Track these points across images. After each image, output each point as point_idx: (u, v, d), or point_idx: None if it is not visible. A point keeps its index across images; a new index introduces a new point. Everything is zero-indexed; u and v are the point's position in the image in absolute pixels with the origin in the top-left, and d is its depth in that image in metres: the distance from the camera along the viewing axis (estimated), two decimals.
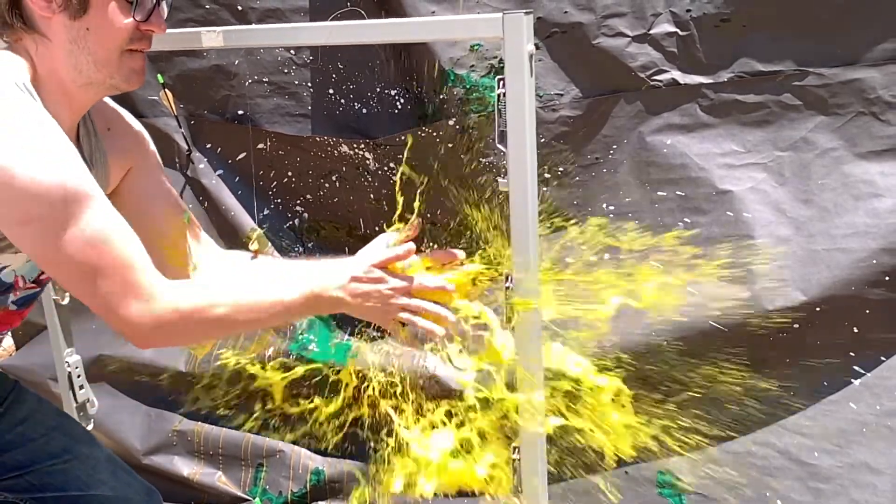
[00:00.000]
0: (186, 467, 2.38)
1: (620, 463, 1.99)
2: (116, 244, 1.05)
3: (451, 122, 1.95)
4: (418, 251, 1.30)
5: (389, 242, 1.30)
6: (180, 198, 1.45)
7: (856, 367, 1.85)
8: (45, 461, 1.35)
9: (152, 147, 1.40)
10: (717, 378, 1.94)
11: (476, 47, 1.91)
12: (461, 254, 1.36)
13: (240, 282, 1.36)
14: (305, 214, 2.24)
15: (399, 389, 1.72)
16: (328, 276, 1.21)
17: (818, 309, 1.80)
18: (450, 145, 1.97)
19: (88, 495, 1.37)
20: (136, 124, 1.40)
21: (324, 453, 2.30)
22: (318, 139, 2.11)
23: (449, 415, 1.43)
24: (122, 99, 2.25)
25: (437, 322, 1.25)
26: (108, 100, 1.34)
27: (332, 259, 1.39)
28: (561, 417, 1.37)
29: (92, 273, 1.03)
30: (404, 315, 1.25)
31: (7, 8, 1.09)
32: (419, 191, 1.35)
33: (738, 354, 1.90)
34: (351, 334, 2.24)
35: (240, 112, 2.17)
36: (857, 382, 1.85)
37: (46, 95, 1.11)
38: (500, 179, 1.30)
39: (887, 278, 1.75)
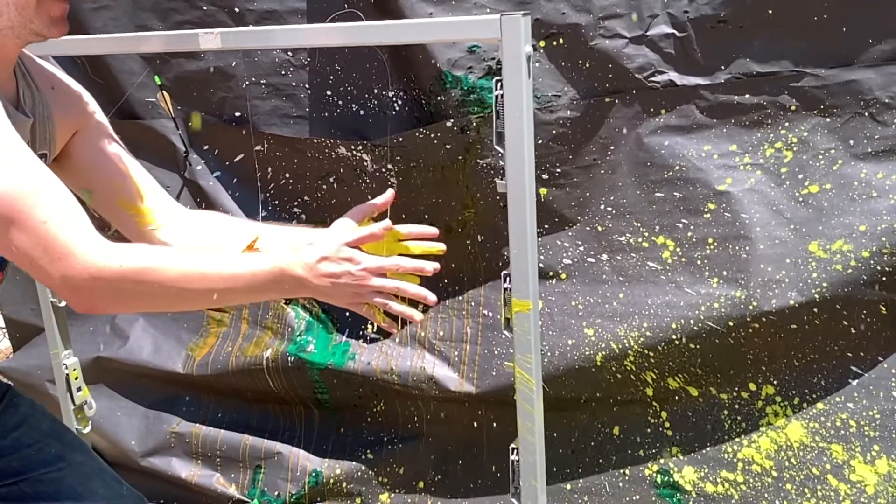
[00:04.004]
0: (184, 469, 2.37)
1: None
2: (37, 197, 0.98)
3: (449, 124, 1.95)
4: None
5: (364, 215, 1.23)
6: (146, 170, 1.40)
7: (853, 368, 1.86)
8: (39, 469, 1.32)
9: (96, 107, 1.37)
10: (714, 379, 1.95)
11: (474, 49, 1.91)
12: (435, 230, 1.31)
13: (201, 249, 1.29)
14: (303, 216, 2.24)
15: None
16: (297, 252, 1.13)
17: (815, 309, 1.80)
18: (448, 147, 1.98)
19: None
20: (78, 86, 1.37)
21: (322, 454, 2.31)
22: (315, 141, 2.11)
23: None
24: (119, 99, 2.26)
25: (418, 299, 1.19)
26: (47, 64, 1.32)
27: (308, 230, 1.33)
28: None
29: (7, 226, 0.97)
30: (379, 298, 1.18)
31: None
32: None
33: (735, 355, 1.90)
34: (350, 336, 2.24)
35: (237, 114, 2.17)
36: (854, 383, 1.86)
37: None
38: (498, 180, 1.30)
39: (884, 279, 1.76)
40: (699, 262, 1.88)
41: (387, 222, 1.19)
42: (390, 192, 1.26)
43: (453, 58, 1.91)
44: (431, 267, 1.22)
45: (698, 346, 1.88)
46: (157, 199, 1.37)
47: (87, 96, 1.37)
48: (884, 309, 1.79)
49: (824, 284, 1.77)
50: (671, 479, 1.99)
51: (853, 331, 1.83)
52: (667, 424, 2.00)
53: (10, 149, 0.99)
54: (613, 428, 2.05)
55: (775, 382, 1.91)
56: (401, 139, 2.02)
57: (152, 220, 1.34)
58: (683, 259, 1.90)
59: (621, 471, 2.04)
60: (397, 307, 1.19)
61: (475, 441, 2.18)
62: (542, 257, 2.01)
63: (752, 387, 1.93)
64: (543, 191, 1.97)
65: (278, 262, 1.11)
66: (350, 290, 1.15)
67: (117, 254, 1.02)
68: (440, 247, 1.31)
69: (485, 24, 1.21)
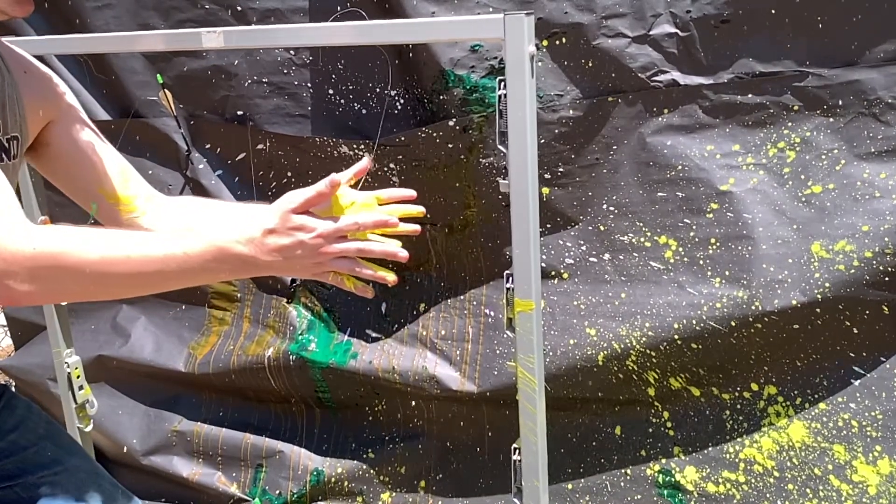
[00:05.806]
0: (186, 468, 2.38)
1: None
2: None
3: (451, 123, 1.95)
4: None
5: (343, 180, 1.11)
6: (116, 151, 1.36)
7: (855, 368, 1.85)
8: (35, 472, 1.30)
9: (66, 89, 1.34)
10: (716, 379, 1.95)
11: (476, 48, 1.91)
12: (413, 192, 1.23)
13: (132, 231, 1.19)
14: None
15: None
16: (240, 227, 1.04)
17: (817, 310, 1.80)
18: (450, 146, 1.98)
19: None
20: (52, 74, 1.35)
21: (323, 453, 2.31)
22: (317, 140, 2.11)
23: None
24: (121, 99, 2.26)
25: (387, 257, 1.10)
26: (21, 50, 1.31)
27: (260, 206, 1.22)
28: None
29: None
30: (342, 264, 1.07)
31: None
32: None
33: (737, 355, 1.90)
34: (351, 335, 2.24)
35: (239, 112, 2.17)
36: (856, 383, 1.85)
37: None
38: (500, 180, 1.30)
39: (887, 279, 1.75)
40: (701, 262, 1.88)
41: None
42: (366, 160, 1.16)
43: (456, 57, 1.91)
44: (396, 219, 1.11)
45: (700, 346, 1.88)
46: (138, 186, 1.36)
47: (57, 79, 1.34)
48: (886, 309, 1.79)
49: (827, 285, 1.77)
50: (673, 479, 1.99)
51: (855, 331, 1.82)
52: (669, 424, 2.00)
53: None
54: (615, 428, 2.05)
55: (777, 382, 1.91)
56: (403, 138, 2.02)
57: (134, 208, 1.32)
58: (686, 259, 1.90)
59: (623, 471, 2.04)
60: (367, 271, 1.09)
61: (476, 440, 2.18)
62: (544, 257, 2.00)
63: (755, 387, 1.93)
64: (546, 190, 1.97)
65: (214, 241, 1.02)
66: (307, 261, 1.06)
67: (32, 237, 0.95)
68: (419, 209, 1.24)
69: (488, 23, 1.21)
